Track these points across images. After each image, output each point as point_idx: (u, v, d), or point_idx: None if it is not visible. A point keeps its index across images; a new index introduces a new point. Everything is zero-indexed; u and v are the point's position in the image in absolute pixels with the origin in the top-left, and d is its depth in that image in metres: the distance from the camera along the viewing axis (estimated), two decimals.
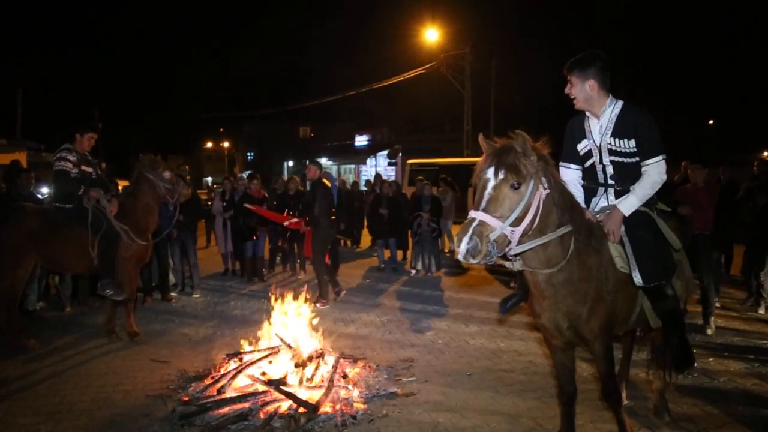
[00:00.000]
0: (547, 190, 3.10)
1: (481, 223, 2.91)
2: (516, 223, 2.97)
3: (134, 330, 6.49)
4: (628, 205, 3.48)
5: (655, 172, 3.47)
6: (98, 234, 6.03)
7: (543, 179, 3.08)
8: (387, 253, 11.83)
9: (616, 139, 3.54)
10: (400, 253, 12.23)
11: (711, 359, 5.75)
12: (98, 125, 6.61)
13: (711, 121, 35.09)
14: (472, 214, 2.96)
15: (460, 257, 2.91)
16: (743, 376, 5.31)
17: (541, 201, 3.06)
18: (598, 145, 3.63)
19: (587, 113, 3.69)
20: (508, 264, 3.26)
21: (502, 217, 2.93)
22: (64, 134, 6.27)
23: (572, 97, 3.63)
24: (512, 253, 3.10)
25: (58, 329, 7.05)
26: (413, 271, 10.78)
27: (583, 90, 3.56)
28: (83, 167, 6.28)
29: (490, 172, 3.00)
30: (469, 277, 10.43)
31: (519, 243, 3.06)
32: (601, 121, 3.60)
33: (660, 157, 3.48)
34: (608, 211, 3.54)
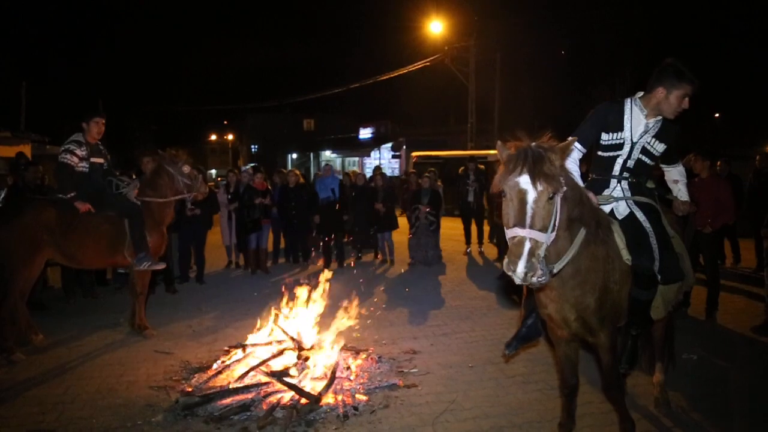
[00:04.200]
0: (564, 188, 3.04)
1: (533, 242, 2.81)
2: (554, 229, 2.93)
3: (144, 324, 6.48)
4: (686, 195, 4.05)
5: (683, 172, 4.06)
6: (123, 213, 6.09)
7: (562, 180, 3.02)
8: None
9: (655, 141, 3.70)
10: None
11: (711, 352, 5.75)
12: (101, 110, 6.49)
13: (717, 115, 34.91)
14: (520, 232, 2.83)
15: (518, 281, 2.80)
16: (743, 370, 5.31)
17: (561, 200, 3.02)
18: (635, 141, 3.69)
19: (634, 106, 3.70)
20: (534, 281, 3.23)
21: (544, 228, 2.87)
22: (72, 126, 6.19)
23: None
24: (555, 271, 3.05)
25: (61, 320, 7.09)
26: (410, 263, 10.79)
27: None
28: (93, 159, 6.25)
29: (526, 181, 2.87)
30: (468, 270, 10.44)
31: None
32: (649, 122, 3.68)
33: (680, 163, 4.06)
34: (678, 202, 4.03)
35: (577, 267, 3.29)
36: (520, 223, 2.84)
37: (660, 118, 3.68)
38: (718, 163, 9.64)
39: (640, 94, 3.72)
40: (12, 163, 9.12)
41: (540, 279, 2.83)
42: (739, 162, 11.16)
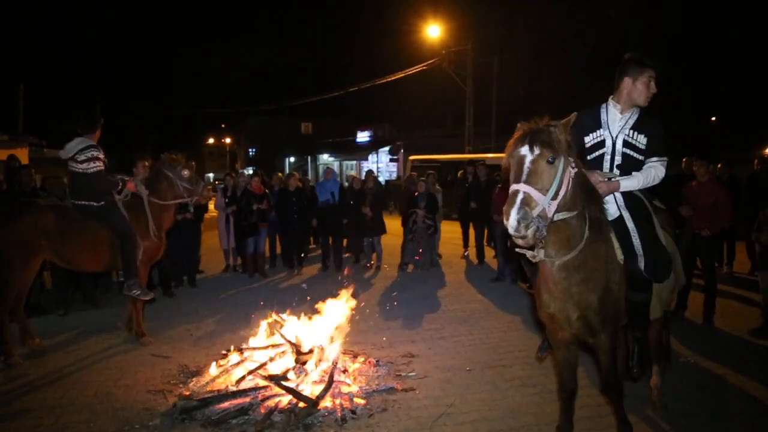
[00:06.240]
0: (575, 169, 3.21)
1: (526, 195, 2.96)
2: (554, 197, 3.05)
3: (141, 330, 6.43)
4: (627, 185, 3.72)
5: (658, 168, 3.76)
6: (118, 233, 6.00)
7: (571, 159, 3.18)
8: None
9: (635, 133, 3.77)
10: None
11: (708, 355, 5.76)
12: (99, 116, 6.40)
13: (714, 118, 35.03)
14: (515, 186, 3.01)
15: (511, 230, 2.95)
16: (740, 373, 5.31)
17: (570, 179, 3.16)
18: (614, 135, 3.79)
19: (609, 106, 3.84)
20: (530, 253, 3.29)
21: (543, 190, 3.00)
22: (81, 127, 6.03)
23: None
24: (555, 219, 3.13)
25: (59, 324, 7.08)
26: (408, 268, 10.77)
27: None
28: None
29: (525, 148, 3.07)
30: (466, 273, 10.45)
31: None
32: (626, 115, 3.80)
33: (665, 158, 3.80)
34: (609, 179, 3.72)
35: (582, 260, 3.33)
36: (517, 179, 3.05)
37: (635, 110, 3.80)
38: (719, 165, 9.66)
39: (611, 98, 3.87)
40: (6, 166, 9.04)
41: (536, 234, 2.97)
42: (737, 165, 11.17)
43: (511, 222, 2.92)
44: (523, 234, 2.94)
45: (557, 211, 3.10)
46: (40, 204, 6.08)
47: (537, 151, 3.04)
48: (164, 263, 8.67)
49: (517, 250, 3.25)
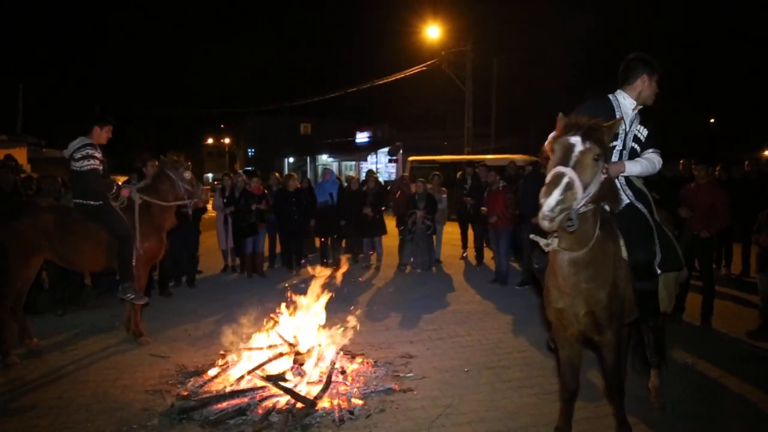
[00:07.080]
0: (605, 175, 3.21)
1: (571, 182, 2.87)
2: (587, 195, 3.02)
3: (139, 330, 6.43)
4: (632, 168, 3.71)
5: (657, 159, 3.83)
6: (116, 235, 5.99)
7: (606, 165, 3.19)
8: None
9: (641, 127, 3.86)
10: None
11: (706, 357, 5.76)
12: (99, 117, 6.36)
13: (712, 120, 35.09)
14: (561, 169, 2.91)
15: (546, 209, 2.81)
16: (738, 375, 5.32)
17: (600, 183, 3.14)
18: (627, 130, 3.86)
19: (620, 98, 3.87)
20: (543, 241, 3.31)
21: (584, 184, 2.94)
22: (80, 126, 6.05)
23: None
24: (579, 212, 3.06)
25: (56, 324, 7.08)
26: (406, 269, 10.75)
27: None
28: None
29: (576, 139, 3.01)
30: (464, 275, 10.45)
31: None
32: (636, 110, 3.87)
33: (659, 150, 3.89)
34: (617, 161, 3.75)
35: (593, 257, 3.35)
36: (564, 163, 2.94)
37: (638, 107, 3.86)
38: (717, 168, 9.68)
39: (621, 90, 3.90)
40: (3, 165, 9.03)
41: (568, 225, 2.91)
42: (736, 166, 11.18)
43: (550, 201, 2.80)
44: (554, 216, 2.83)
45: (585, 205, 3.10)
46: (40, 204, 6.07)
47: (588, 144, 2.99)
48: (165, 263, 8.69)
49: (531, 236, 3.28)
